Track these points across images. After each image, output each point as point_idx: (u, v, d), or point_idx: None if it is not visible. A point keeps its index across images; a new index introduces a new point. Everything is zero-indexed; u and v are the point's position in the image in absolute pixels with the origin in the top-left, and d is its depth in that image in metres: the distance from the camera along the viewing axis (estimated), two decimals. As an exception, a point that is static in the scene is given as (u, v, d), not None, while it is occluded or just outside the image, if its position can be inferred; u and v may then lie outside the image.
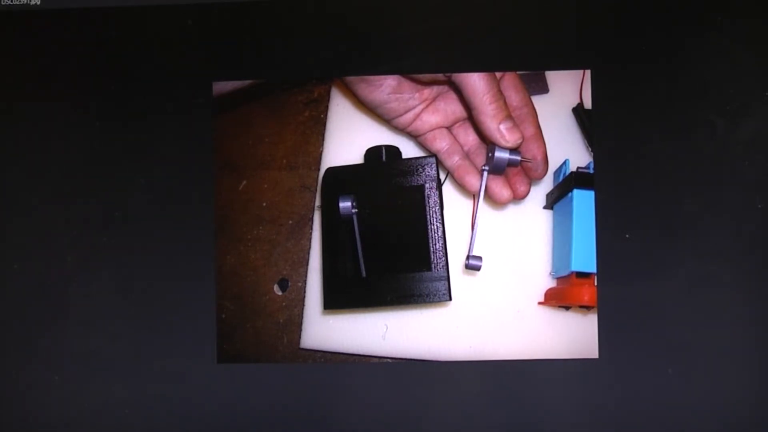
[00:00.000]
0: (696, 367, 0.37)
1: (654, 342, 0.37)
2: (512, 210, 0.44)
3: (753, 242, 0.37)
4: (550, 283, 0.43)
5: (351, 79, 0.41)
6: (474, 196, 0.42)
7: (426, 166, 0.42)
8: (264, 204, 0.46)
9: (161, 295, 0.39)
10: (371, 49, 0.39)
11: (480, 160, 0.42)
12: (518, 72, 0.41)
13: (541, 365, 0.38)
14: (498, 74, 0.39)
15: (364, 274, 0.41)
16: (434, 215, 0.41)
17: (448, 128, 0.43)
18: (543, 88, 0.45)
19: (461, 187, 0.43)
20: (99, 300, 0.39)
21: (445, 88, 0.42)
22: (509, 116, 0.39)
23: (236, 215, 0.46)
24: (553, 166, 0.42)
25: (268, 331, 0.44)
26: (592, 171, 0.39)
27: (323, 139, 0.46)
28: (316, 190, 0.46)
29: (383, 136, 0.45)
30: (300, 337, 0.44)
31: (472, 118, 0.40)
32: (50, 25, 0.40)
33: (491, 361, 0.40)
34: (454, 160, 0.42)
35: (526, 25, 0.39)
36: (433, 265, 0.40)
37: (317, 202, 0.45)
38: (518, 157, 0.39)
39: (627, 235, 0.38)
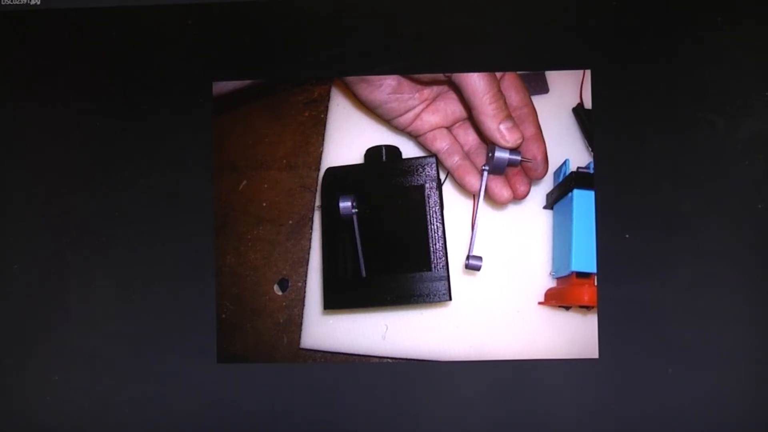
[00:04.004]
0: (696, 367, 0.37)
1: (654, 342, 0.37)
2: (512, 210, 0.44)
3: (753, 242, 0.37)
4: (550, 283, 0.43)
5: (351, 79, 0.41)
6: (474, 196, 0.42)
7: (426, 166, 0.42)
8: (264, 204, 0.46)
9: (161, 295, 0.39)
10: (371, 49, 0.39)
11: (480, 160, 0.42)
12: (518, 72, 0.41)
13: (541, 365, 0.38)
14: (498, 74, 0.39)
15: (364, 274, 0.41)
16: (434, 215, 0.41)
17: (448, 128, 0.43)
18: (543, 88, 0.45)
19: (461, 187, 0.43)
20: (99, 300, 0.39)
21: (445, 88, 0.42)
22: (509, 116, 0.39)
23: (236, 215, 0.46)
24: (553, 166, 0.42)
25: (268, 331, 0.44)
26: (592, 171, 0.39)
27: (323, 139, 0.46)
28: (316, 190, 0.46)
29: (383, 136, 0.45)
30: (300, 337, 0.44)
31: (472, 118, 0.40)
32: (50, 25, 0.40)
33: (491, 361, 0.40)
34: (454, 160, 0.42)
35: (526, 25, 0.39)
36: (433, 265, 0.40)
37: (317, 202, 0.45)
38: (518, 157, 0.39)
39: (627, 235, 0.38)
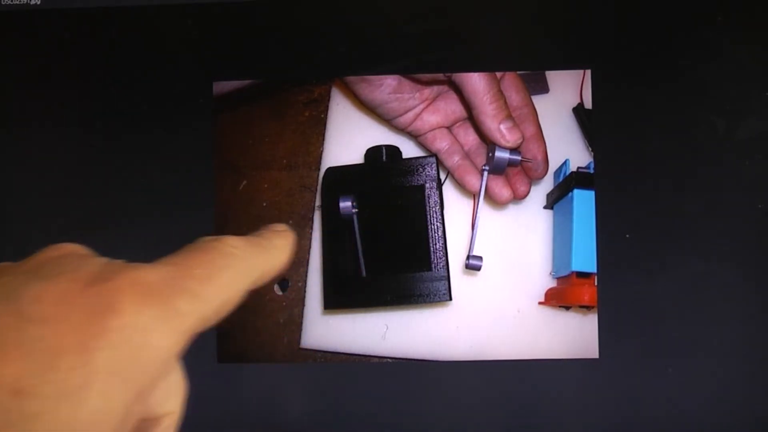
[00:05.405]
0: (696, 367, 0.37)
1: (654, 342, 0.37)
2: (512, 210, 0.44)
3: (753, 242, 0.37)
4: (551, 283, 0.43)
5: (351, 79, 0.41)
6: (474, 196, 0.42)
7: (426, 166, 0.42)
8: (264, 204, 0.46)
9: (161, 295, 0.39)
10: (371, 49, 0.39)
11: (480, 160, 0.42)
12: (518, 72, 0.41)
13: (541, 365, 0.38)
14: (498, 74, 0.39)
15: (364, 274, 0.41)
16: (434, 215, 0.41)
17: (449, 128, 0.43)
18: (543, 88, 0.45)
19: (461, 187, 0.43)
20: (99, 300, 0.39)
21: (445, 88, 0.42)
22: (509, 116, 0.39)
23: (236, 215, 0.46)
24: (553, 166, 0.42)
25: (268, 331, 0.44)
26: (592, 171, 0.39)
27: (323, 139, 0.46)
28: (316, 190, 0.46)
29: (383, 136, 0.45)
30: (300, 337, 0.44)
31: (472, 117, 0.40)
32: (50, 25, 0.40)
33: (491, 361, 0.40)
34: (454, 160, 0.42)
35: (526, 25, 0.39)
36: (433, 265, 0.40)
37: (317, 202, 0.45)
38: (518, 157, 0.39)
39: (627, 235, 0.38)
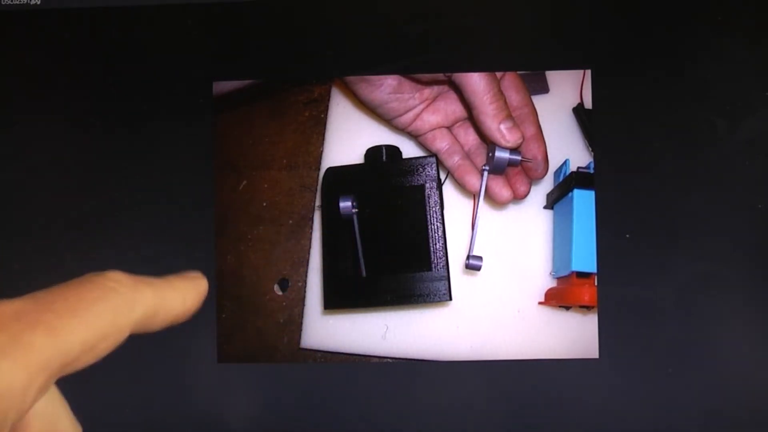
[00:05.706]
0: (696, 367, 0.37)
1: (654, 342, 0.37)
2: (512, 210, 0.44)
3: (753, 242, 0.37)
4: (551, 283, 0.43)
5: (351, 79, 0.41)
6: (474, 196, 0.42)
7: (426, 166, 0.42)
8: (264, 204, 0.46)
9: (161, 295, 0.39)
10: (371, 49, 0.39)
11: (480, 160, 0.42)
12: (518, 72, 0.41)
13: (541, 365, 0.38)
14: (498, 74, 0.39)
15: (364, 274, 0.41)
16: (434, 215, 0.41)
17: (449, 128, 0.43)
18: (543, 88, 0.45)
19: (461, 187, 0.43)
20: (99, 300, 0.39)
21: (445, 88, 0.42)
22: (509, 116, 0.39)
23: (236, 215, 0.46)
24: (553, 166, 0.42)
25: (268, 331, 0.44)
26: (592, 171, 0.39)
27: (323, 139, 0.46)
28: (316, 190, 0.46)
29: (383, 136, 0.45)
30: (300, 337, 0.44)
31: (472, 117, 0.40)
32: (50, 25, 0.40)
33: (491, 361, 0.40)
34: (454, 160, 0.42)
35: (526, 25, 0.39)
36: (433, 265, 0.40)
37: (317, 202, 0.45)
38: (518, 157, 0.39)
39: (627, 235, 0.38)
